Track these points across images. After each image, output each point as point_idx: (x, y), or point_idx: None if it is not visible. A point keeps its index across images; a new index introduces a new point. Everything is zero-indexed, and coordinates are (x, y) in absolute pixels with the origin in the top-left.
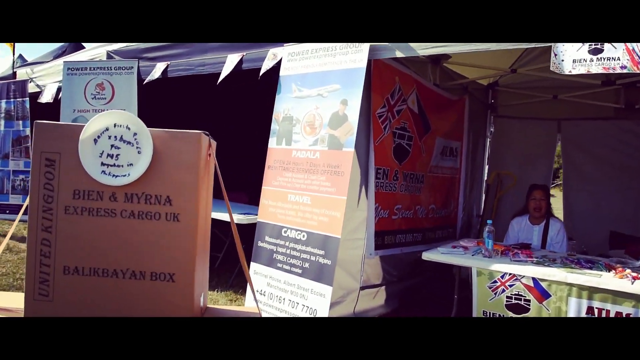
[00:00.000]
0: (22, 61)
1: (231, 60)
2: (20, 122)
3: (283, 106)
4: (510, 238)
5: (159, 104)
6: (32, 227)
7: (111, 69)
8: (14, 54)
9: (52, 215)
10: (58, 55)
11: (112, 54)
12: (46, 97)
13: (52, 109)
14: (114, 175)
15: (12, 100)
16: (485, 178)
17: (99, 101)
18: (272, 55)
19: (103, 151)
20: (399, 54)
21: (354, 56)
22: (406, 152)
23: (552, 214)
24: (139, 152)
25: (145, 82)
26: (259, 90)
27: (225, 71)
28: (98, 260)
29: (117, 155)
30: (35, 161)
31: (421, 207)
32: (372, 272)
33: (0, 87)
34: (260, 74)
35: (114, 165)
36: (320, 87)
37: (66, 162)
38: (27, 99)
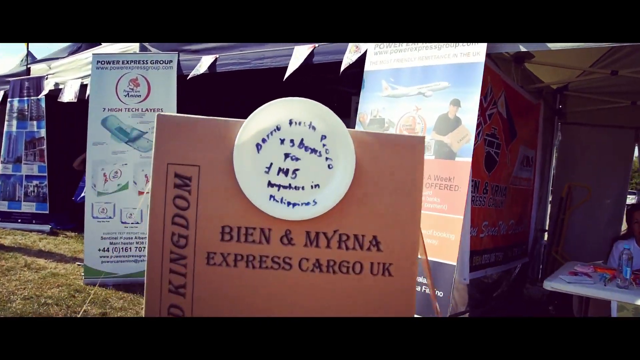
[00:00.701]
0: (32, 59)
1: (300, 53)
2: (35, 122)
3: (370, 106)
4: (616, 260)
5: (201, 102)
6: (151, 285)
7: (147, 63)
8: (27, 49)
9: (186, 268)
10: (74, 51)
11: (146, 46)
12: (68, 96)
13: (74, 109)
14: (289, 204)
15: (25, 98)
16: (552, 189)
17: (132, 99)
18: (355, 47)
19: (272, 164)
20: (522, 48)
21: (467, 48)
22: (495, 161)
23: None
24: (329, 167)
25: (189, 77)
26: (332, 86)
27: (293, 66)
28: None
29: (295, 170)
30: (157, 179)
31: (503, 222)
32: (459, 297)
33: (13, 85)
34: (342, 69)
35: (290, 186)
36: (421, 85)
37: (210, 181)
38: (43, 97)
